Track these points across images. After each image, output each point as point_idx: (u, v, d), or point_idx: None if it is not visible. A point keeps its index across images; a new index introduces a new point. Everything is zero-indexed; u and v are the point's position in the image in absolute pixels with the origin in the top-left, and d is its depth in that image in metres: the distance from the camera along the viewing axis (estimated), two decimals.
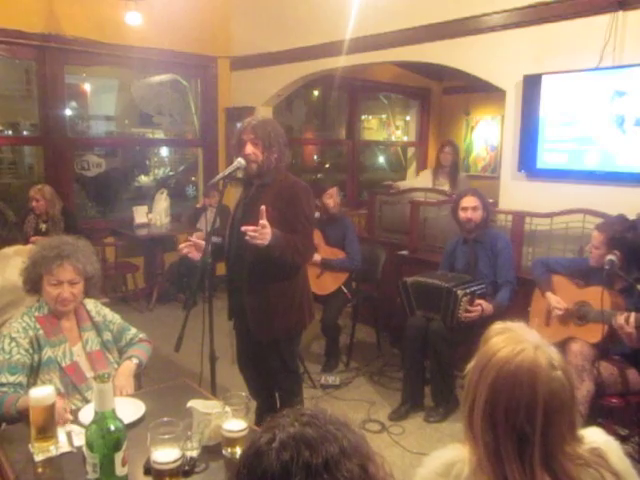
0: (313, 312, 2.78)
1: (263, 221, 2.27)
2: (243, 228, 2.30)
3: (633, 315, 2.48)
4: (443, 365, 3.25)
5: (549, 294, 2.91)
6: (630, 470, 1.14)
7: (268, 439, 0.78)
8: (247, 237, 2.29)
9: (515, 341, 1.07)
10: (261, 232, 2.28)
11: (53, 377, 1.98)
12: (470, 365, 1.12)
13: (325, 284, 4.01)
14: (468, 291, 3.15)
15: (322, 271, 4.02)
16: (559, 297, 2.87)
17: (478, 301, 3.16)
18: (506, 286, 3.27)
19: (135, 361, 2.16)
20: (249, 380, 2.86)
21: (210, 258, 2.48)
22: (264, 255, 2.41)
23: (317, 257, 3.95)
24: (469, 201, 3.32)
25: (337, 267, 4.04)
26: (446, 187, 4.97)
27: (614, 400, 2.62)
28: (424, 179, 5.21)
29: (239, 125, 2.60)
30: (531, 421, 1.01)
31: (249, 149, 2.47)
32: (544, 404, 1.01)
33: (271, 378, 2.75)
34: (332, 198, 4.12)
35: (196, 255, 2.50)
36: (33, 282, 2.07)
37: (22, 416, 1.75)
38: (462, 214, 3.34)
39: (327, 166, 8.11)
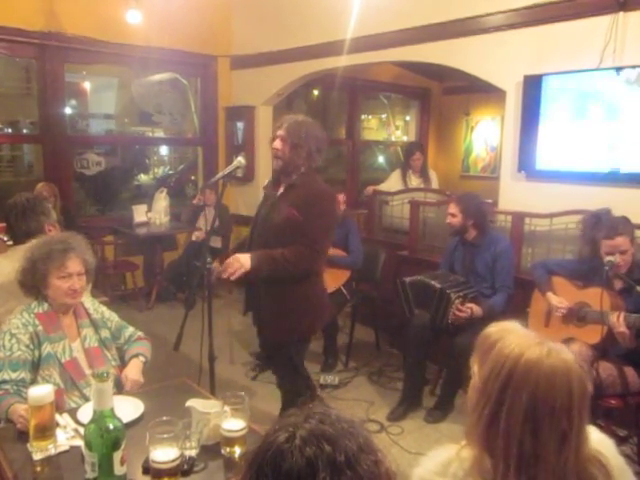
0: (325, 317, 2.80)
1: (228, 260, 2.40)
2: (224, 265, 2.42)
3: (623, 314, 2.50)
4: (460, 381, 3.25)
5: (550, 294, 2.91)
6: (624, 467, 1.15)
7: (287, 437, 0.77)
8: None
9: (532, 342, 1.07)
10: (227, 268, 2.39)
11: (53, 373, 1.98)
12: (482, 372, 1.09)
13: (325, 283, 4.01)
14: (461, 294, 3.19)
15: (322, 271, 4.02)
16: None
17: (469, 305, 3.19)
18: (502, 291, 3.26)
19: (142, 359, 2.19)
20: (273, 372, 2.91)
21: (210, 257, 2.49)
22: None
23: None
24: (449, 207, 3.41)
25: (339, 264, 4.05)
26: (422, 185, 5.13)
27: (613, 401, 2.62)
28: (395, 181, 5.24)
29: None
30: (570, 419, 1.02)
31: (277, 144, 2.52)
32: (578, 401, 1.03)
33: (279, 378, 2.75)
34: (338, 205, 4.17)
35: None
36: (38, 280, 2.05)
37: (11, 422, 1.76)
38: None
39: (326, 165, 8.09)
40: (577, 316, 2.79)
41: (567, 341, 2.72)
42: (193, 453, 1.58)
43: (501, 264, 3.27)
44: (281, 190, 2.60)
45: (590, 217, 2.89)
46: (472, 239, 3.37)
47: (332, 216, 2.61)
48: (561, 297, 2.87)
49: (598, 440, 1.13)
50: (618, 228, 2.68)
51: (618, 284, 2.71)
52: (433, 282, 3.26)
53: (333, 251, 4.08)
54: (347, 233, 4.16)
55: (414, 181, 5.18)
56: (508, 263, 3.30)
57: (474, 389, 1.12)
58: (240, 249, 2.67)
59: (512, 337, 1.09)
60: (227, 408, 1.66)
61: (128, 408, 1.80)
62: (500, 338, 1.10)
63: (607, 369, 2.62)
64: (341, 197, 4.17)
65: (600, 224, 2.75)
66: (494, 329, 1.14)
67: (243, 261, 2.40)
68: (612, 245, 2.63)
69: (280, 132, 2.53)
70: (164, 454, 1.44)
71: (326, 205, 2.54)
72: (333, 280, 4.04)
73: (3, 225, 2.85)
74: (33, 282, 2.07)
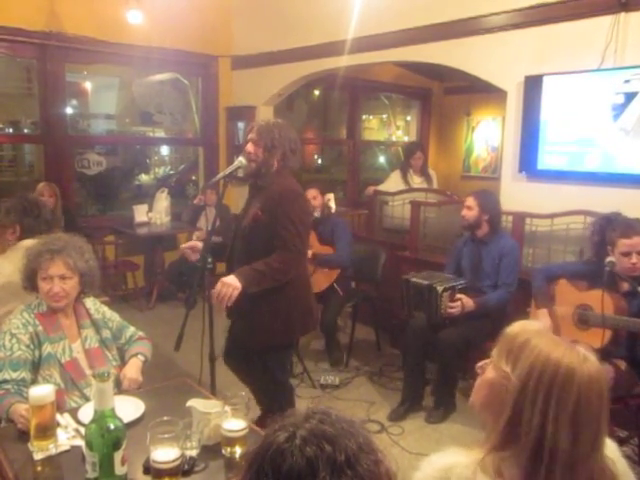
0: (309, 324, 2.74)
1: (217, 288, 2.39)
2: (214, 294, 2.41)
3: None
4: (450, 374, 3.28)
5: (542, 313, 2.87)
6: (628, 472, 1.15)
7: (287, 437, 0.77)
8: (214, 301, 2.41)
9: (565, 346, 1.07)
10: (221, 295, 2.37)
11: (53, 373, 1.98)
12: (518, 372, 1.07)
13: (317, 282, 4.00)
14: (447, 286, 3.23)
15: (315, 269, 4.02)
16: (560, 303, 2.84)
17: (458, 296, 3.23)
18: (502, 288, 3.28)
19: (141, 358, 2.19)
20: (239, 377, 2.85)
21: (211, 257, 2.49)
22: (254, 255, 2.47)
23: (309, 253, 3.96)
24: (467, 200, 3.42)
25: (325, 262, 4.05)
26: (424, 184, 5.16)
27: (615, 403, 2.61)
28: (394, 181, 5.24)
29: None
30: (601, 422, 1.04)
31: (249, 148, 2.52)
32: (606, 403, 1.05)
33: (258, 386, 2.73)
34: (311, 201, 4.12)
35: (193, 257, 2.57)
36: (29, 279, 2.08)
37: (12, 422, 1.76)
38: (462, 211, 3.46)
39: (327, 165, 8.10)
40: (579, 319, 2.76)
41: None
42: (194, 453, 1.58)
43: (507, 261, 3.29)
44: (252, 193, 2.63)
45: (601, 219, 2.85)
46: (483, 235, 3.38)
47: (302, 213, 2.53)
48: (562, 300, 2.83)
49: None
50: (635, 227, 2.62)
51: (624, 286, 2.67)
52: (421, 281, 3.34)
53: (322, 249, 4.09)
54: (333, 229, 4.14)
55: (416, 180, 5.19)
56: (513, 262, 3.31)
57: (500, 387, 1.10)
58: (218, 252, 2.68)
59: (542, 340, 1.08)
60: (228, 408, 1.66)
61: (129, 408, 1.80)
62: (530, 338, 1.09)
63: (609, 372, 2.60)
64: (312, 192, 4.11)
65: (614, 224, 2.69)
66: (519, 328, 1.13)
67: (232, 282, 2.37)
68: (630, 244, 2.57)
69: (252, 135, 2.52)
70: (165, 454, 1.44)
71: (291, 203, 2.48)
72: (324, 278, 4.04)
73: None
74: (28, 280, 2.08)
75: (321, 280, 4.03)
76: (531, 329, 1.12)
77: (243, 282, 2.38)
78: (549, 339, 1.09)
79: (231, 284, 2.37)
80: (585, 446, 1.02)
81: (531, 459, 1.03)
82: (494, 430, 1.09)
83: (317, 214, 4.11)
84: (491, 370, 1.15)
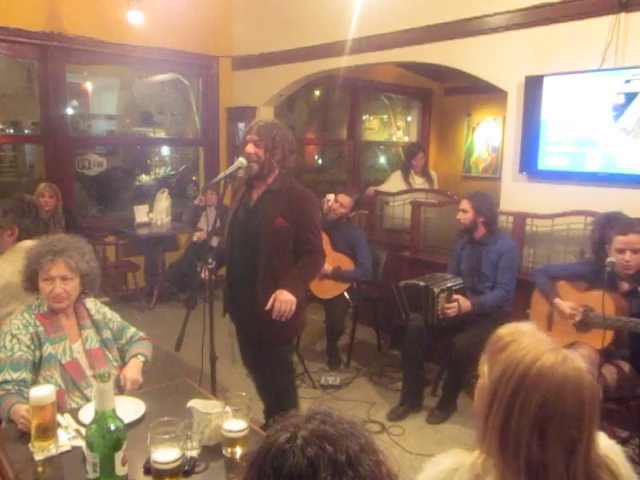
0: (306, 318, 2.84)
1: (278, 305, 2.45)
2: (267, 307, 2.46)
3: None
4: (461, 378, 3.27)
5: (559, 301, 2.85)
6: (632, 474, 1.14)
7: (288, 437, 0.77)
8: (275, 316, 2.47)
9: (547, 347, 1.04)
10: (282, 311, 2.45)
11: (54, 373, 1.98)
12: (493, 374, 1.06)
13: (328, 288, 3.99)
14: (444, 287, 3.23)
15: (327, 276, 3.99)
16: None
17: (455, 296, 3.24)
18: (498, 288, 3.28)
19: (142, 359, 2.19)
20: (256, 381, 2.87)
21: (211, 257, 2.49)
22: (276, 261, 2.52)
23: (327, 267, 3.84)
24: (461, 203, 3.42)
25: (348, 278, 4.02)
26: (425, 184, 5.18)
27: (617, 404, 2.59)
28: (395, 182, 5.24)
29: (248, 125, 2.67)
30: (579, 429, 0.99)
31: (250, 149, 2.50)
32: (589, 411, 1.00)
33: (271, 379, 2.76)
34: (337, 203, 4.10)
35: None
36: (30, 279, 2.08)
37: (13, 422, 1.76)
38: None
39: (328, 166, 8.09)
40: (581, 320, 2.75)
41: (574, 345, 2.68)
42: (194, 454, 1.58)
43: (504, 262, 3.28)
44: (258, 195, 2.60)
45: (601, 217, 2.86)
46: (480, 237, 3.38)
47: (318, 214, 2.70)
48: (570, 302, 2.83)
49: (607, 447, 1.11)
50: (634, 225, 2.61)
51: (624, 286, 2.66)
52: (418, 282, 3.33)
53: (338, 257, 4.03)
54: (355, 242, 4.09)
55: (417, 181, 5.20)
56: (511, 261, 3.30)
57: (483, 391, 1.09)
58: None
59: (526, 340, 1.05)
60: (228, 408, 1.66)
61: (129, 408, 1.80)
62: (513, 340, 1.07)
63: (612, 373, 2.60)
64: (343, 199, 4.10)
65: (613, 222, 2.69)
66: (507, 330, 1.11)
67: (289, 298, 2.46)
68: (625, 241, 2.55)
69: (252, 136, 2.50)
70: (165, 455, 1.44)
71: (312, 207, 2.60)
72: (335, 286, 4.02)
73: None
74: (29, 281, 2.08)
75: (332, 287, 4.01)
76: (518, 331, 1.10)
77: (296, 294, 2.47)
78: (533, 340, 1.06)
79: (289, 300, 2.46)
80: (556, 453, 0.98)
81: (508, 460, 1.02)
82: (482, 434, 1.08)
83: (323, 214, 4.06)
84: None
